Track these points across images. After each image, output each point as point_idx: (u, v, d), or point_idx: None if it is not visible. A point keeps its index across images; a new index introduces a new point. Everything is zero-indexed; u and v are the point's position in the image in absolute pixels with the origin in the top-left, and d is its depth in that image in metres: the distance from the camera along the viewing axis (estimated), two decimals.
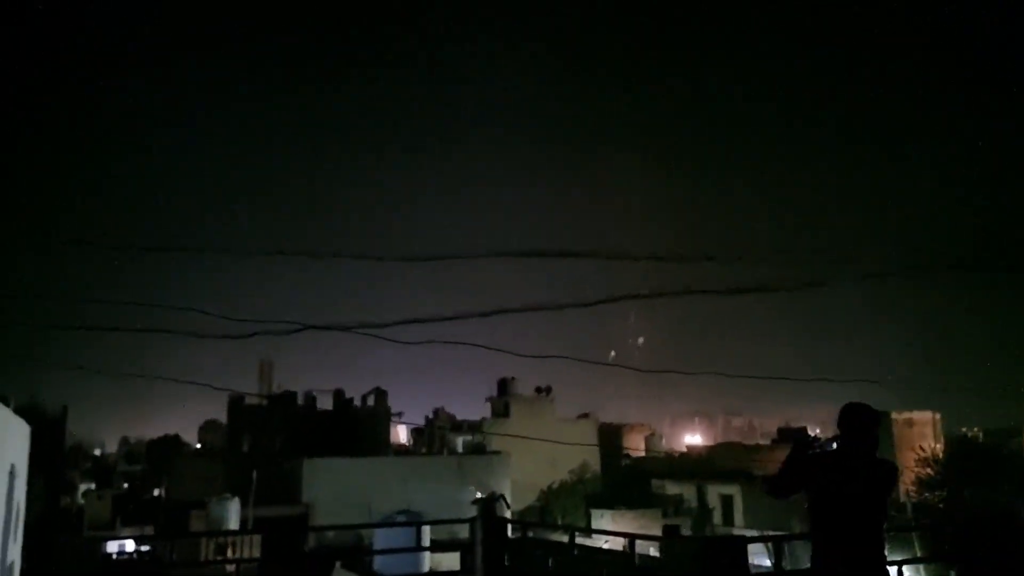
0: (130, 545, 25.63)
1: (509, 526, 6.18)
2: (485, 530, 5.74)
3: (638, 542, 5.17)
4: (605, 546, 13.06)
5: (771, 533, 33.48)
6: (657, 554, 4.94)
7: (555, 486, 42.54)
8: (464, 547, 6.21)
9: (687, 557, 3.58)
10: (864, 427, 4.84)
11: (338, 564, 11.75)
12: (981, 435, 45.27)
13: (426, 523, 7.26)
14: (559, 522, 37.14)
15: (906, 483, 37.15)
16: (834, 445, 4.94)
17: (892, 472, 5.00)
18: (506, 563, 5.75)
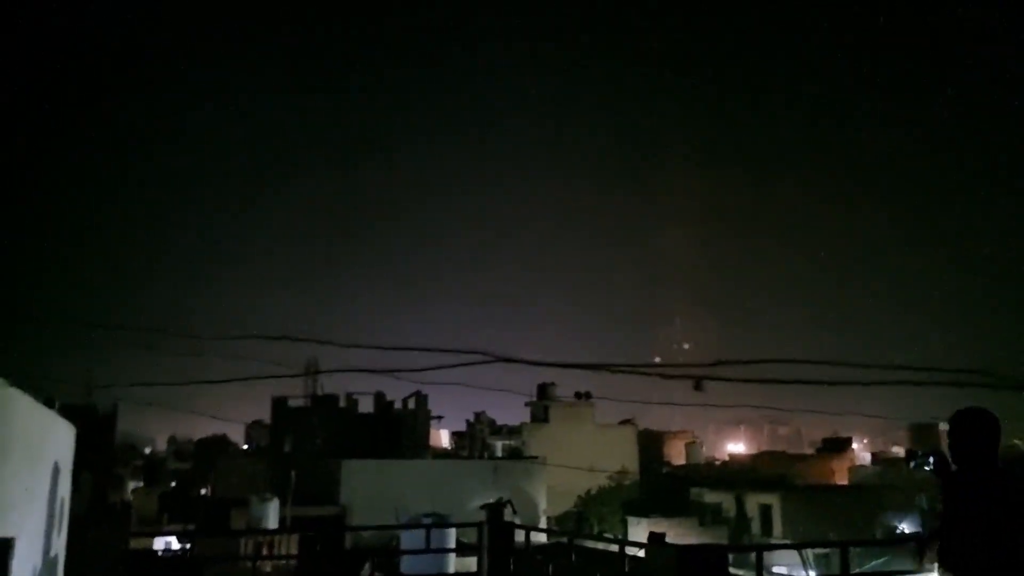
0: (176, 543, 26.32)
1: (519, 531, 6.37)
2: (492, 535, 5.95)
3: None
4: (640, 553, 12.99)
5: (764, 542, 33.10)
6: None
7: (593, 492, 42.54)
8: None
9: (669, 563, 3.72)
10: (978, 441, 3.98)
11: (367, 565, 12.04)
12: None
13: (436, 526, 7.47)
14: (595, 529, 37.15)
15: None
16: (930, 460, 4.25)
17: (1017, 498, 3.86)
18: (511, 567, 5.95)
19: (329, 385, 44.62)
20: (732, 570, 5.34)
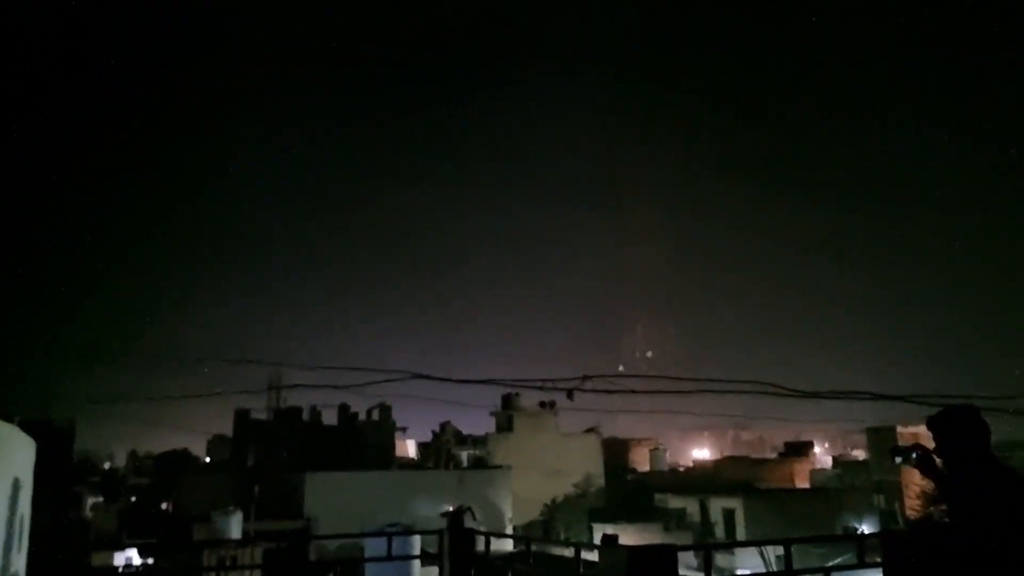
0: (136, 559, 25.93)
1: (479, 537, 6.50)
2: (452, 541, 6.06)
3: None
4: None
5: (715, 542, 33.53)
6: None
7: (559, 500, 42.71)
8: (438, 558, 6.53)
9: (620, 563, 3.88)
10: (971, 439, 3.94)
11: (331, 574, 12.05)
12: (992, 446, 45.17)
13: (397, 534, 7.58)
14: (561, 536, 37.30)
15: (910, 497, 37.21)
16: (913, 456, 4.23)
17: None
18: (472, 573, 6.06)
19: (293, 398, 44.31)
20: (693, 573, 5.53)
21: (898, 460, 4.59)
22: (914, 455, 4.40)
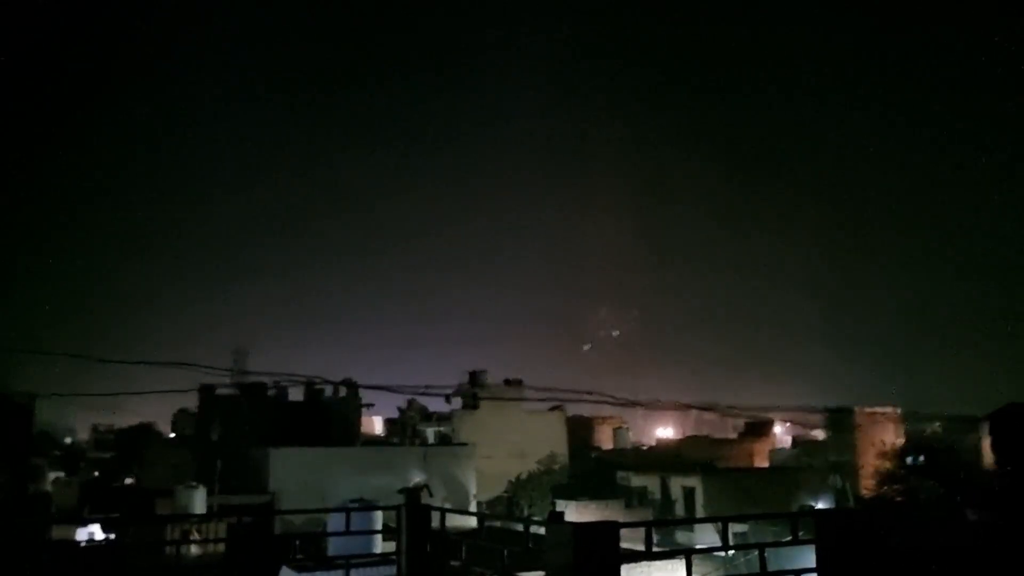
0: (99, 533, 25.84)
1: (433, 513, 6.67)
2: (409, 517, 6.23)
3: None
4: None
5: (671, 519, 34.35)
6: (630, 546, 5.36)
7: (523, 477, 43.17)
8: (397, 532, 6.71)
9: (566, 540, 4.05)
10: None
11: (294, 547, 12.23)
12: (941, 429, 46.41)
13: (358, 510, 7.74)
14: (525, 513, 37.77)
15: (865, 477, 38.21)
16: None
17: None
18: (428, 548, 6.25)
19: (258, 372, 44.08)
20: (657, 549, 5.73)
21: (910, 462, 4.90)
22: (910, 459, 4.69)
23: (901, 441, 41.09)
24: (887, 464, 35.56)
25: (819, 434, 59.91)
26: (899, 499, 33.53)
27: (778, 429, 65.83)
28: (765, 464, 51.73)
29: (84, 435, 76.85)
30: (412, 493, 6.67)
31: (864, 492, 37.06)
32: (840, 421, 44.50)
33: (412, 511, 6.37)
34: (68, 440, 73.99)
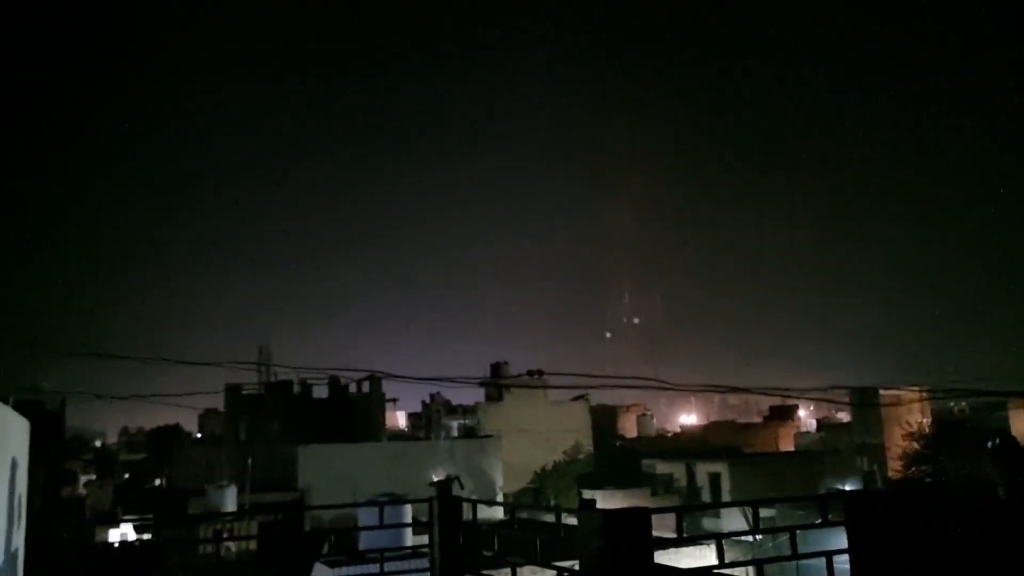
0: (132, 534, 26.23)
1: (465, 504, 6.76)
2: (441, 509, 6.32)
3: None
4: None
5: (689, 505, 34.23)
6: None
7: (548, 467, 43.28)
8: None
9: (597, 527, 4.11)
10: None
11: (326, 543, 12.40)
12: (968, 409, 45.98)
13: (389, 503, 7.84)
14: (551, 503, 37.87)
15: (892, 459, 37.92)
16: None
17: None
18: (460, 540, 6.33)
19: (283, 371, 44.46)
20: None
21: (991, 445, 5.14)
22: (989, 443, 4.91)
23: (928, 421, 40.75)
24: (914, 445, 35.25)
25: (844, 416, 59.60)
26: (928, 479, 33.28)
27: (802, 413, 65.57)
28: (791, 448, 51.53)
29: (113, 438, 77.91)
30: (443, 485, 6.74)
31: (892, 474, 36.81)
32: (866, 400, 44.17)
33: (444, 503, 6.46)
34: (98, 443, 75.09)
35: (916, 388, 45.83)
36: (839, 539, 5.15)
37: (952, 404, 46.55)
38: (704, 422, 69.24)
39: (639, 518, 4.17)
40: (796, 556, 5.10)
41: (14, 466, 7.59)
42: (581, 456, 45.23)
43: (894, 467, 36.73)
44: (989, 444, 4.91)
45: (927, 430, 36.62)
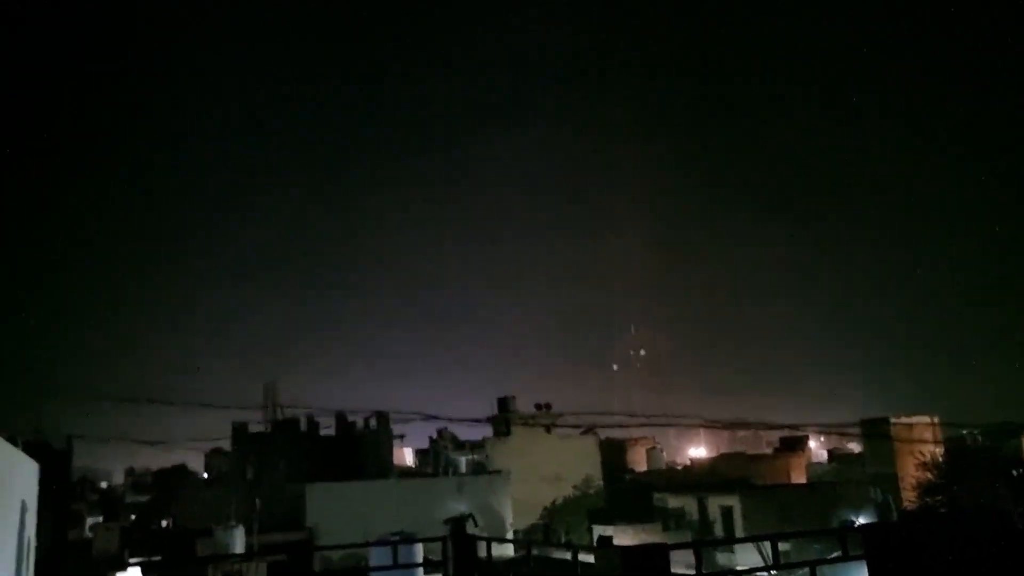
0: None
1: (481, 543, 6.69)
2: (455, 548, 6.25)
3: None
4: None
5: (705, 539, 33.84)
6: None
7: (558, 503, 42.88)
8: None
9: (615, 564, 4.06)
10: None
11: None
12: (980, 437, 45.58)
13: (402, 542, 7.74)
14: (562, 539, 37.48)
15: (906, 489, 37.49)
16: None
17: None
18: None
19: (290, 408, 44.37)
20: (686, 571, 5.71)
21: None
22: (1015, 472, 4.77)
23: (940, 451, 40.34)
24: (928, 475, 34.89)
25: (856, 447, 59.09)
26: (943, 510, 32.90)
27: (813, 444, 65.01)
28: (803, 480, 51.01)
29: (120, 478, 77.51)
30: (458, 523, 6.68)
31: (906, 504, 36.38)
32: (876, 432, 43.84)
33: (458, 541, 6.40)
34: (105, 484, 74.69)
35: (928, 417, 45.61)
36: (858, 573, 5.07)
37: (965, 433, 46.13)
38: (714, 454, 68.64)
39: (657, 555, 4.12)
40: None
41: (23, 509, 7.55)
42: (591, 491, 44.81)
43: (908, 497, 36.31)
44: (1015, 473, 4.83)
45: (940, 459, 36.25)
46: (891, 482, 39.94)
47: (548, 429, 37.90)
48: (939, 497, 33.42)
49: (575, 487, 44.13)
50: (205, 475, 64.49)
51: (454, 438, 54.90)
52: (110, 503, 60.12)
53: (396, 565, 7.34)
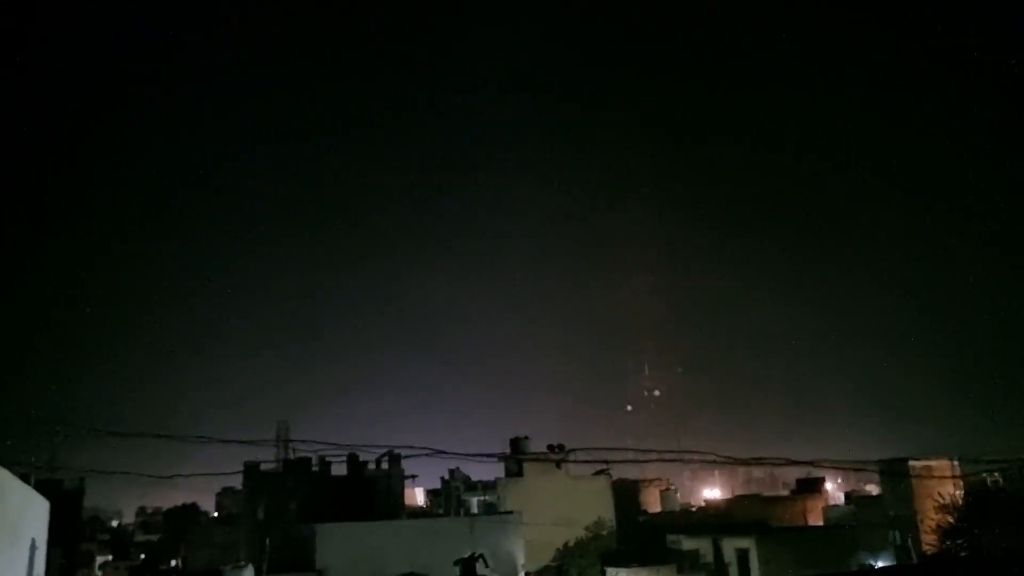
0: None
1: None
2: None
3: None
4: None
5: None
6: None
7: (571, 544, 42.29)
8: None
9: None
10: None
11: None
12: (1001, 480, 44.77)
13: None
14: None
15: (926, 531, 36.79)
16: None
17: None
18: None
19: (302, 446, 44.20)
20: None
21: None
22: None
23: (960, 492, 39.64)
24: (948, 517, 34.26)
25: (874, 489, 58.16)
26: (964, 554, 32.28)
27: (830, 485, 64.07)
28: (819, 522, 50.18)
29: (130, 517, 77.25)
30: (468, 564, 6.60)
31: (926, 548, 35.68)
32: (895, 474, 43.14)
33: None
34: (115, 522, 74.46)
35: (947, 458, 44.89)
36: None
37: (985, 475, 45.33)
38: (728, 495, 67.77)
39: None
40: None
41: (33, 547, 7.52)
42: (604, 532, 44.18)
43: (928, 540, 35.61)
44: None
45: (960, 502, 35.61)
46: (910, 525, 39.21)
47: (559, 465, 37.58)
48: (960, 540, 32.79)
49: (587, 528, 43.53)
50: (216, 514, 64.14)
51: (466, 479, 54.48)
52: (120, 542, 59.84)
53: None
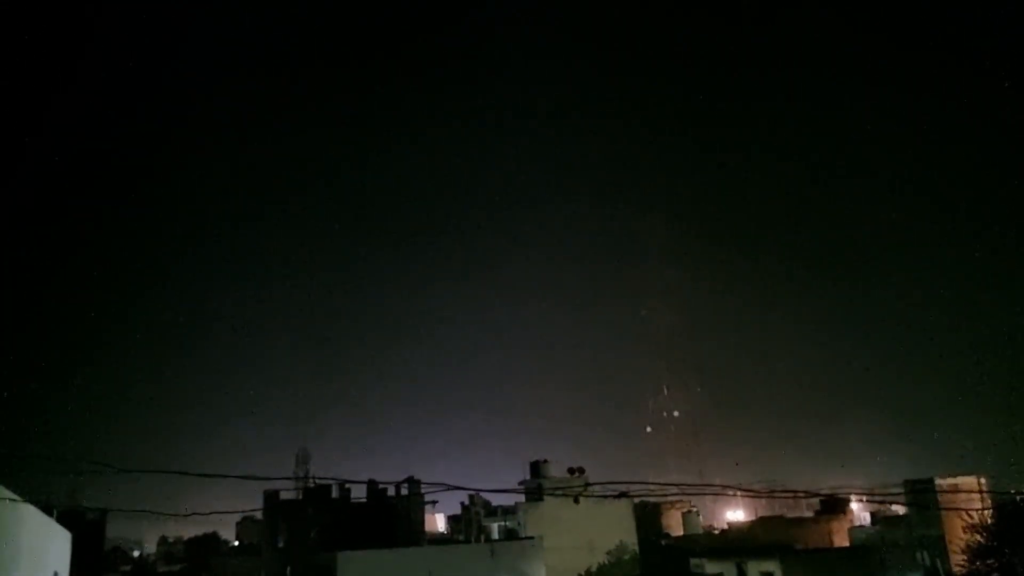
0: None
1: None
2: None
3: None
4: None
5: None
6: None
7: (592, 569, 41.92)
8: None
9: None
10: None
11: None
12: None
13: None
14: None
15: (954, 552, 36.12)
16: None
17: None
18: None
19: (321, 472, 44.20)
20: None
21: None
22: None
23: (989, 512, 38.94)
24: (977, 537, 33.65)
25: (900, 509, 57.21)
26: (995, 574, 31.72)
27: (855, 506, 63.05)
28: (845, 543, 49.40)
29: (152, 547, 77.36)
30: None
31: (956, 569, 35.04)
32: (921, 492, 42.48)
33: None
34: (137, 553, 74.54)
35: (974, 477, 44.17)
36: None
37: (1015, 492, 44.51)
38: (752, 517, 66.83)
39: None
40: None
41: None
42: (626, 557, 43.76)
43: (957, 561, 34.97)
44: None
45: (989, 521, 34.97)
46: (938, 545, 38.54)
47: (577, 500, 37.48)
48: (991, 560, 32.20)
49: (609, 553, 43.15)
50: (236, 543, 64.13)
51: (486, 504, 54.21)
52: (142, 572, 59.87)
53: None
